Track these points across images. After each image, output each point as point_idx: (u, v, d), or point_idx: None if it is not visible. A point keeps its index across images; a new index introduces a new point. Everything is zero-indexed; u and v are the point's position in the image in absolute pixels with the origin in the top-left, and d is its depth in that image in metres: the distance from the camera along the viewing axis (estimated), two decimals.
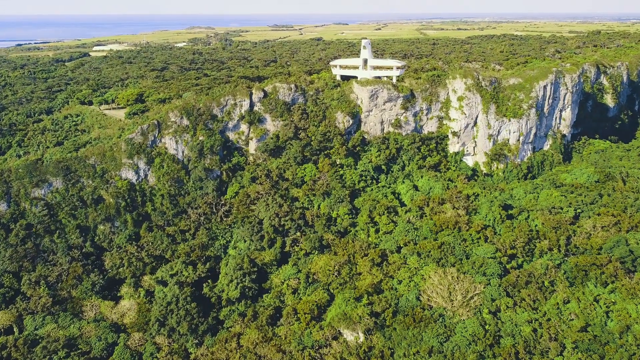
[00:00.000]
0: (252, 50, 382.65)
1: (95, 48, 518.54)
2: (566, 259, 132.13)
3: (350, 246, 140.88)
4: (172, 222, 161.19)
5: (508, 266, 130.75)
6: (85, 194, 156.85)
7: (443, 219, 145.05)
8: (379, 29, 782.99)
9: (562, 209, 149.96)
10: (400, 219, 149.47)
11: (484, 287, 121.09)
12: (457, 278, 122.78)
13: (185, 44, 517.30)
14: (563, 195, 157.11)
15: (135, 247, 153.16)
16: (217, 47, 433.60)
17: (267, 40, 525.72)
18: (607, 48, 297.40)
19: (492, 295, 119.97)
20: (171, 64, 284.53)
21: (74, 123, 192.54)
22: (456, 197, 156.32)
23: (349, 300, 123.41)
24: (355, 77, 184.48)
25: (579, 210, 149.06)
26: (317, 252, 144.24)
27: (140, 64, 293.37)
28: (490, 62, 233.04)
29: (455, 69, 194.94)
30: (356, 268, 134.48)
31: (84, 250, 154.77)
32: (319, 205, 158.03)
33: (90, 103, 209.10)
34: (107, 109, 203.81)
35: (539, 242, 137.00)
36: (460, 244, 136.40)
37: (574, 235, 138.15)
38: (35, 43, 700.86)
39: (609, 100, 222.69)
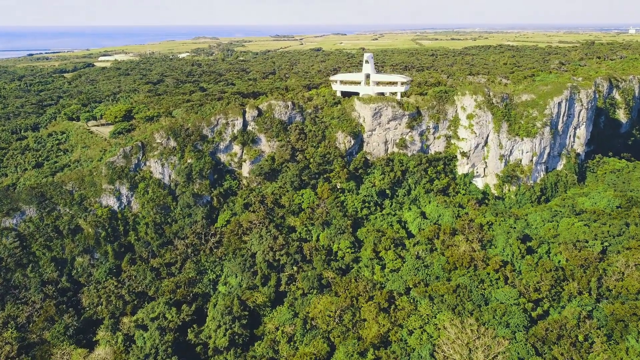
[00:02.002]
0: (251, 62, 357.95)
1: (100, 58, 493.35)
2: (598, 304, 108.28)
3: (353, 286, 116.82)
4: (157, 253, 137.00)
5: (534, 314, 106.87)
6: (62, 223, 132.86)
7: (456, 254, 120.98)
8: (376, 39, 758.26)
9: (587, 242, 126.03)
10: (408, 254, 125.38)
11: (509, 343, 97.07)
12: (477, 331, 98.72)
13: (187, 54, 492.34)
14: (586, 224, 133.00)
15: (116, 283, 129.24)
16: (217, 58, 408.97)
17: (268, 51, 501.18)
18: (611, 60, 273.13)
19: (518, 354, 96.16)
20: (168, 76, 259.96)
21: (57, 142, 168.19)
22: (469, 227, 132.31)
23: (352, 355, 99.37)
24: (357, 94, 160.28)
25: (606, 244, 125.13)
26: (315, 291, 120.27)
27: (135, 76, 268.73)
28: (496, 76, 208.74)
29: (464, 85, 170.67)
30: (360, 314, 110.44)
31: (59, 286, 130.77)
32: (318, 237, 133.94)
33: (78, 119, 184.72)
34: (95, 126, 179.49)
35: (567, 283, 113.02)
36: (477, 287, 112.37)
37: (605, 275, 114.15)
38: (46, 53, 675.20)
39: (621, 115, 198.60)
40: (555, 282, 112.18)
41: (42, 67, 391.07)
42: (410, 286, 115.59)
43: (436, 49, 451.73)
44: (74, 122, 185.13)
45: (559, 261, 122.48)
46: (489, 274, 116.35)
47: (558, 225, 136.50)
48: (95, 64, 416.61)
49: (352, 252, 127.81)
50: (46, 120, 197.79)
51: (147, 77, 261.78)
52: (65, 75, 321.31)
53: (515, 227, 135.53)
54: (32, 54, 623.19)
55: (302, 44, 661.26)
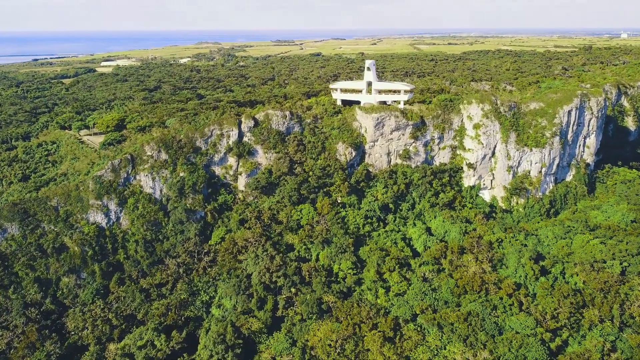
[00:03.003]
0: (250, 67, 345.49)
1: (102, 64, 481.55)
2: (622, 334, 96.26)
3: (356, 312, 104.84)
4: (148, 273, 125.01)
5: (552, 345, 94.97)
6: (46, 241, 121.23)
7: (466, 277, 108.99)
8: (375, 43, 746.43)
9: (605, 262, 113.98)
10: (413, 276, 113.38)
11: None
12: None
13: (188, 59, 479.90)
14: (602, 242, 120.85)
15: (103, 306, 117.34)
16: (217, 64, 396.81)
17: (269, 56, 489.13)
18: (614, 65, 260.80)
19: None
20: (165, 82, 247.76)
21: (46, 153, 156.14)
22: (477, 245, 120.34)
23: None
24: (358, 102, 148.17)
25: (625, 264, 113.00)
26: (315, 317, 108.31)
27: (133, 82, 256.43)
28: (500, 82, 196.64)
29: (469, 93, 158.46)
30: (363, 343, 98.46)
31: (43, 308, 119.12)
32: (317, 256, 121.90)
33: (70, 128, 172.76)
34: (87, 135, 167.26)
35: (586, 310, 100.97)
36: (490, 314, 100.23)
37: (627, 300, 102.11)
38: (51, 58, 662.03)
39: (630, 123, 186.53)
40: (574, 308, 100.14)
41: (44, 72, 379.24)
42: (417, 312, 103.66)
43: (435, 53, 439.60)
44: (65, 131, 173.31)
45: (575, 283, 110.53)
46: (501, 298, 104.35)
47: (572, 242, 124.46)
48: (97, 69, 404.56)
49: (354, 274, 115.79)
50: (38, 129, 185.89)
51: (144, 83, 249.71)
52: (64, 81, 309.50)
53: (526, 245, 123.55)
54: (37, 59, 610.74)
55: (302, 49, 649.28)
